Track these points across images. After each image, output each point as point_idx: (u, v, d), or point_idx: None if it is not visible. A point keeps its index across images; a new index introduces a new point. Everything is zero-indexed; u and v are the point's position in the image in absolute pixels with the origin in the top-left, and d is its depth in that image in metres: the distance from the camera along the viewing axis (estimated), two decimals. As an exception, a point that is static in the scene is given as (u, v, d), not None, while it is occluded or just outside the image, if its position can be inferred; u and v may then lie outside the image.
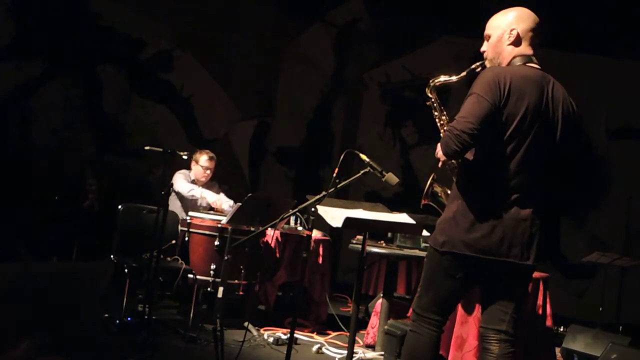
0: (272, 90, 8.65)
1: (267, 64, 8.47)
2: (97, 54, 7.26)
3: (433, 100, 3.04)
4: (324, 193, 3.23)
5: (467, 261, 2.70)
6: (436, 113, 3.04)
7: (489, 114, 2.62)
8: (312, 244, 5.41)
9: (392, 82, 8.56)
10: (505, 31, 2.84)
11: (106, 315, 4.60)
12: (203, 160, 5.85)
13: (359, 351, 4.80)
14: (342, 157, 3.28)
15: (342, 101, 8.82)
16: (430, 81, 3.03)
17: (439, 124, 3.04)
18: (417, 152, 8.37)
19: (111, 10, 7.29)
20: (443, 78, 3.00)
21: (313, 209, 3.43)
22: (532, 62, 2.84)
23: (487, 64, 2.94)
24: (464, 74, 2.97)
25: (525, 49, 2.84)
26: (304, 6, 8.40)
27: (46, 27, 6.89)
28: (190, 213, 5.50)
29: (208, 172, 5.90)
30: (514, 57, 2.83)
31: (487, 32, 2.92)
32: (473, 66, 2.97)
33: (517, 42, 2.83)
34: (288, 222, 5.57)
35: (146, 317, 4.32)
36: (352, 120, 8.78)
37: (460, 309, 3.98)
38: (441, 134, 2.92)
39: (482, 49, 2.94)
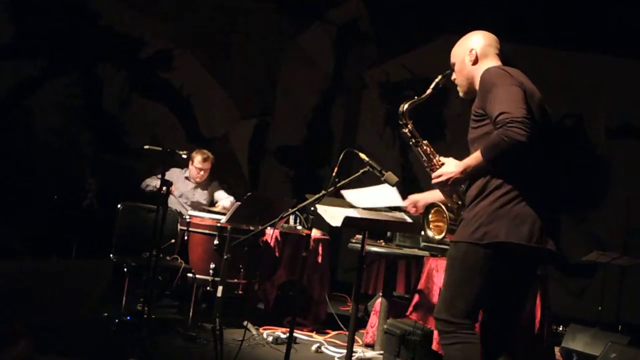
0: (271, 90, 8.64)
1: (267, 63, 8.47)
2: (97, 54, 7.26)
3: (410, 127, 2.96)
4: (323, 192, 3.23)
5: (509, 251, 2.62)
6: (414, 140, 2.96)
7: (525, 97, 2.58)
8: (312, 243, 5.41)
9: (391, 81, 8.56)
10: (466, 54, 2.92)
11: (105, 314, 4.60)
12: (197, 161, 5.86)
13: (358, 350, 4.80)
14: (341, 156, 3.28)
15: (341, 100, 8.82)
16: (400, 108, 2.97)
17: (420, 152, 2.94)
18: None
19: (111, 9, 7.28)
20: (410, 102, 2.97)
21: (312, 208, 3.43)
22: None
23: (460, 93, 2.98)
24: (430, 90, 2.98)
25: (494, 61, 2.88)
26: (303, 6, 8.40)
27: (46, 27, 6.88)
28: (190, 212, 5.51)
29: (202, 173, 5.90)
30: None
31: (451, 61, 2.99)
32: (437, 80, 2.99)
33: (482, 57, 2.89)
34: (287, 221, 5.58)
35: (145, 316, 4.32)
36: (352, 119, 8.79)
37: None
38: (424, 163, 2.87)
39: (453, 77, 2.98)
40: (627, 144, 7.92)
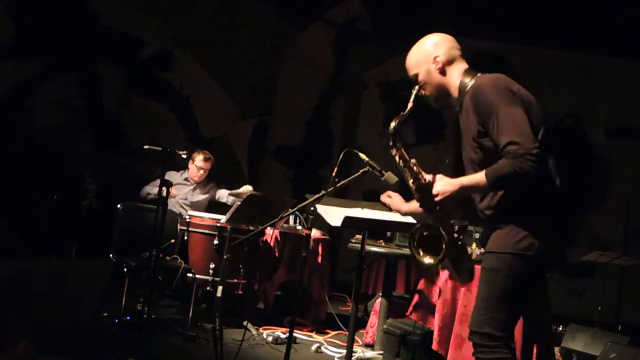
0: (271, 90, 8.64)
1: (267, 63, 8.47)
2: (97, 53, 7.26)
3: (399, 146, 2.70)
4: (323, 192, 3.23)
5: (546, 261, 2.62)
6: (402, 161, 2.69)
7: (528, 116, 2.51)
8: (312, 243, 5.41)
9: (391, 81, 8.56)
10: (429, 63, 2.76)
11: (105, 314, 4.61)
12: (198, 160, 5.90)
13: (358, 350, 4.80)
14: (341, 156, 3.27)
15: (341, 100, 8.82)
16: (390, 128, 2.70)
17: (408, 172, 2.67)
18: (417, 151, 8.37)
19: (110, 9, 7.29)
20: (397, 120, 2.70)
21: (312, 208, 3.43)
22: (477, 73, 2.71)
23: (432, 104, 2.81)
24: (411, 104, 2.74)
25: (461, 64, 2.76)
26: (303, 5, 8.40)
27: (45, 26, 6.89)
28: (190, 212, 5.51)
29: (202, 172, 5.94)
30: (461, 75, 2.72)
31: (411, 73, 2.81)
32: (415, 92, 2.76)
33: (449, 63, 2.75)
34: (287, 221, 5.58)
35: (145, 316, 4.31)
36: (352, 119, 8.78)
37: (460, 307, 3.98)
38: (411, 183, 2.66)
39: (422, 92, 2.78)
40: (627, 144, 7.92)
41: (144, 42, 7.58)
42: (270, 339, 4.81)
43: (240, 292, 5.14)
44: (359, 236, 4.83)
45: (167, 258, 4.91)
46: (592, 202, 7.94)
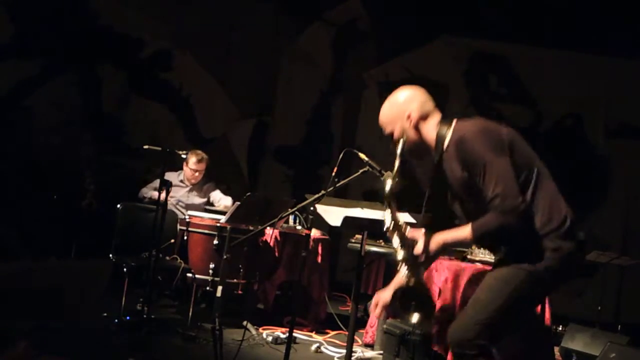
0: (271, 90, 8.64)
1: (266, 63, 8.46)
2: (96, 53, 7.26)
3: (393, 208, 2.65)
4: (323, 192, 3.23)
5: (559, 283, 2.69)
6: (393, 222, 2.63)
7: (511, 166, 2.54)
8: (311, 243, 5.41)
9: (391, 81, 8.56)
10: (402, 120, 2.72)
11: (105, 314, 4.61)
12: (192, 163, 5.82)
13: (358, 350, 4.80)
14: (341, 156, 3.27)
15: (341, 100, 8.82)
16: (386, 193, 2.65)
17: (397, 235, 2.64)
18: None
19: (110, 9, 7.28)
20: (392, 182, 2.65)
21: (312, 208, 3.43)
22: (453, 120, 2.70)
23: (409, 157, 2.79)
24: (399, 160, 2.68)
25: (436, 116, 2.74)
26: (303, 5, 8.40)
27: (45, 26, 6.88)
28: (189, 212, 5.51)
29: (197, 174, 5.88)
30: (437, 127, 2.71)
31: (386, 131, 2.77)
32: (398, 148, 2.70)
33: (422, 118, 2.72)
34: (287, 221, 5.57)
35: (145, 316, 4.32)
36: (351, 119, 8.78)
37: (459, 308, 3.98)
38: (398, 245, 2.62)
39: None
40: (626, 144, 7.91)
41: (144, 42, 7.58)
42: (270, 339, 4.81)
43: (240, 292, 5.14)
44: (359, 236, 4.83)
45: (167, 258, 4.91)
46: (592, 202, 7.94)
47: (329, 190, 3.23)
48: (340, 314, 5.69)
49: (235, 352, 3.87)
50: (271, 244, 5.38)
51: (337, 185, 3.24)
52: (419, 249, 2.59)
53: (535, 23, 7.80)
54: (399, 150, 2.69)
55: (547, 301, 4.32)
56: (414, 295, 2.59)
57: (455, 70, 8.11)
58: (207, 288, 5.02)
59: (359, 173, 3.26)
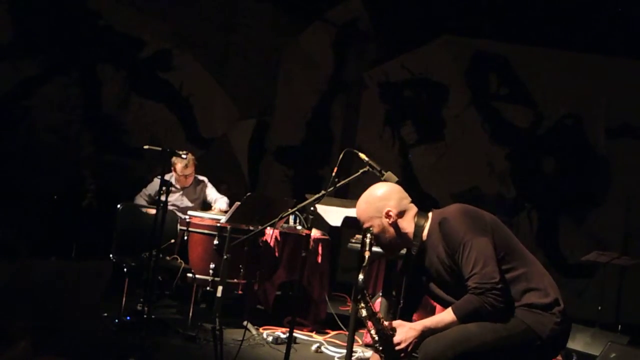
0: (271, 90, 8.64)
1: (266, 63, 8.47)
2: (96, 53, 7.26)
3: (367, 299, 2.67)
4: (323, 192, 3.23)
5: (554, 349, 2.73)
6: (369, 312, 2.66)
7: (495, 242, 2.59)
8: (311, 243, 5.40)
9: (391, 81, 8.56)
10: (381, 217, 2.74)
11: (105, 314, 4.61)
12: (179, 169, 5.73)
13: (358, 350, 4.80)
14: (341, 156, 3.27)
15: (341, 100, 8.82)
16: (358, 284, 2.65)
17: (373, 324, 2.66)
18: (416, 151, 8.38)
19: (110, 9, 7.29)
20: (362, 274, 2.64)
21: (312, 208, 3.43)
22: (429, 212, 2.76)
23: (387, 254, 2.82)
24: (368, 253, 2.66)
25: (412, 211, 2.77)
26: (303, 5, 8.40)
27: (45, 27, 6.89)
28: (190, 212, 5.50)
29: (186, 178, 5.81)
30: (414, 220, 2.74)
31: (365, 225, 2.76)
32: (367, 240, 2.68)
33: (400, 214, 2.75)
34: (287, 221, 5.57)
35: (145, 316, 4.32)
36: (351, 119, 8.78)
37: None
38: (375, 334, 2.65)
39: (375, 248, 2.75)
40: (627, 144, 7.92)
41: (144, 42, 7.58)
42: (270, 339, 4.81)
43: (240, 292, 5.14)
44: (359, 236, 4.82)
45: (167, 258, 4.91)
46: (592, 202, 7.95)
47: (329, 190, 3.23)
48: (340, 314, 5.69)
49: (236, 352, 3.88)
50: (271, 244, 5.38)
51: (337, 185, 3.23)
52: (398, 337, 2.60)
53: (535, 23, 7.81)
54: (367, 244, 2.68)
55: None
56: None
57: (455, 70, 8.12)
58: (208, 288, 5.02)
59: (359, 173, 3.25)
